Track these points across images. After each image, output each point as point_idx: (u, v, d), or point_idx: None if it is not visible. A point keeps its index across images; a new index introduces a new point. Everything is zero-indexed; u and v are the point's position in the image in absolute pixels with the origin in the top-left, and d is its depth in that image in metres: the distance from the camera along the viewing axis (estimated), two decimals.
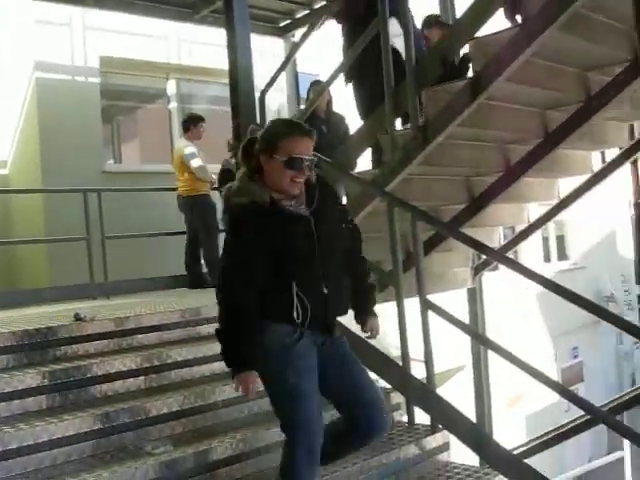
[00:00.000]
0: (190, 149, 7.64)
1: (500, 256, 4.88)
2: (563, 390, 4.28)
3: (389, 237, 4.44)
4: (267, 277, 3.07)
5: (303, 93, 8.44)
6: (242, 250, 3.05)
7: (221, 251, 3.20)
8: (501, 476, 4.09)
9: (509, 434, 8.39)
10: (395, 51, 4.89)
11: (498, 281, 11.11)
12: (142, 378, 4.23)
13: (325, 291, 3.11)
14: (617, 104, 5.26)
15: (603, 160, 7.48)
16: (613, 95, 5.13)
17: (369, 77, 5.38)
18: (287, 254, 3.06)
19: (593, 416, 4.71)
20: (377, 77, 5.03)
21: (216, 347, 4.47)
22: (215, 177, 7.88)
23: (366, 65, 5.23)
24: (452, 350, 8.31)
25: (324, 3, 8.60)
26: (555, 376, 12.64)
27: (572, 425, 5.91)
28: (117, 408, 3.82)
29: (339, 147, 5.33)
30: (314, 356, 3.14)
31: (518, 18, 5.20)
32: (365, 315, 3.43)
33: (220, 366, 4.45)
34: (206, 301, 5.14)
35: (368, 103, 5.41)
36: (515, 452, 5.58)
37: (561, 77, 5.06)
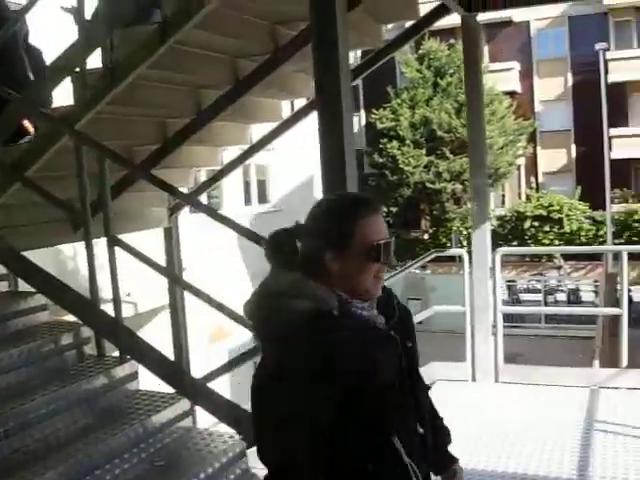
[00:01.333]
0: None
1: (187, 197, 5.11)
2: None
3: (77, 176, 4.47)
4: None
5: None
6: (322, 407, 1.91)
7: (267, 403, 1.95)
8: (185, 399, 4.40)
9: (213, 366, 8.77)
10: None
11: (201, 222, 11.40)
12: None
13: (421, 430, 2.17)
14: (301, 57, 5.66)
15: (292, 109, 8.02)
16: (297, 49, 5.53)
17: None
18: (378, 395, 1.99)
19: None
20: None
21: None
22: None
23: None
24: (158, 290, 8.46)
25: None
26: None
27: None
28: None
29: (33, 82, 5.16)
30: None
31: None
32: (448, 462, 2.40)
33: None
34: None
35: None
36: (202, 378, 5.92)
37: (252, 28, 5.31)
